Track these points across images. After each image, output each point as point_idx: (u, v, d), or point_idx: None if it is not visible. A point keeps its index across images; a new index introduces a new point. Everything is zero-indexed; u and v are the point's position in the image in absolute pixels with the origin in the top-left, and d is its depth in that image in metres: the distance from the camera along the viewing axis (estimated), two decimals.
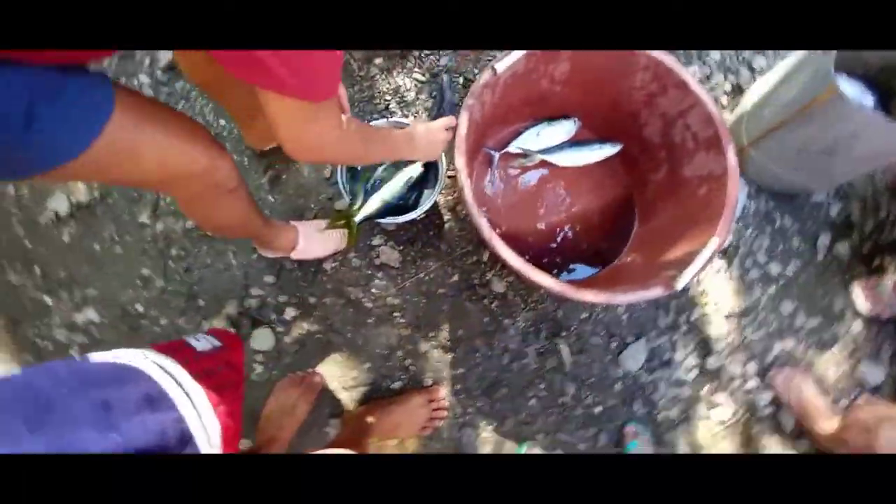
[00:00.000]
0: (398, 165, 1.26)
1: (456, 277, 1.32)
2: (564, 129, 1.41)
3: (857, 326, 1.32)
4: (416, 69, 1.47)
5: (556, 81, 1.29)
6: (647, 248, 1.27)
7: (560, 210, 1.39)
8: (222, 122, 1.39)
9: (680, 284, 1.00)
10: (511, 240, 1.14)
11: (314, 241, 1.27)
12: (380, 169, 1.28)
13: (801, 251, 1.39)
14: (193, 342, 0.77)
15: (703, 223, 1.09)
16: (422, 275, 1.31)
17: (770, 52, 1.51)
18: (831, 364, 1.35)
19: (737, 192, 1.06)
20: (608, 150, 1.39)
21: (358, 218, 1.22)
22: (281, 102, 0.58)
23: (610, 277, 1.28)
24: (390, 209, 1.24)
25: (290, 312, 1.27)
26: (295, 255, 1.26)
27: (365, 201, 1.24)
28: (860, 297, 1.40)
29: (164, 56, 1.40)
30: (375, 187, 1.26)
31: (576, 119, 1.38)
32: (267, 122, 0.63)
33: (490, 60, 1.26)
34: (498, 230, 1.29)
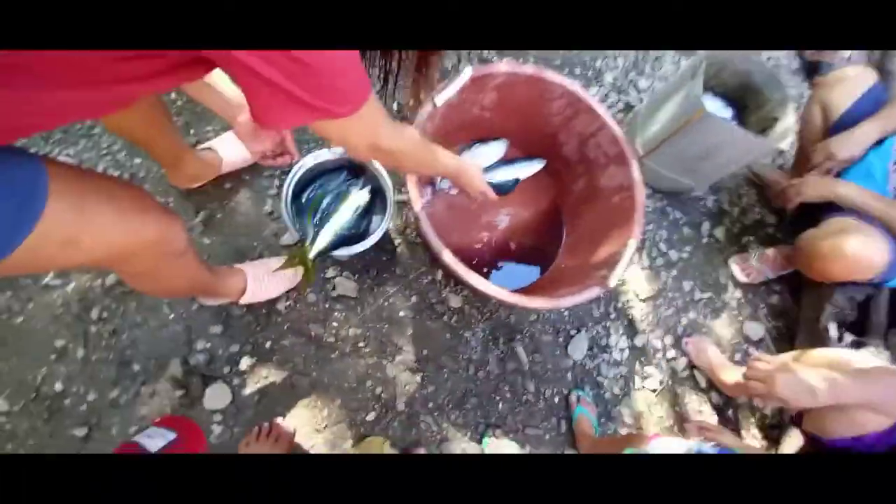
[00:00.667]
0: (342, 196, 1.10)
1: (414, 299, 1.09)
2: (496, 149, 1.33)
3: (737, 294, 1.47)
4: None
5: (486, 108, 1.24)
6: (579, 251, 1.27)
7: (499, 222, 1.33)
8: (137, 160, 1.01)
9: (612, 282, 1.00)
10: (458, 254, 1.04)
11: (264, 282, 1.05)
12: (325, 201, 1.09)
13: (690, 237, 1.51)
14: (145, 441, 0.64)
15: (620, 226, 1.11)
16: (381, 301, 1.05)
17: (650, 73, 1.59)
18: (724, 327, 1.42)
19: (643, 199, 1.10)
20: (535, 166, 1.33)
21: (312, 254, 1.02)
22: (329, 125, 0.44)
23: (552, 280, 1.26)
24: (342, 240, 1.06)
25: (245, 362, 0.99)
26: (244, 300, 1.05)
27: (316, 236, 1.04)
28: (736, 269, 1.48)
29: None
30: (324, 220, 1.07)
31: (506, 140, 1.33)
32: (194, 164, 0.64)
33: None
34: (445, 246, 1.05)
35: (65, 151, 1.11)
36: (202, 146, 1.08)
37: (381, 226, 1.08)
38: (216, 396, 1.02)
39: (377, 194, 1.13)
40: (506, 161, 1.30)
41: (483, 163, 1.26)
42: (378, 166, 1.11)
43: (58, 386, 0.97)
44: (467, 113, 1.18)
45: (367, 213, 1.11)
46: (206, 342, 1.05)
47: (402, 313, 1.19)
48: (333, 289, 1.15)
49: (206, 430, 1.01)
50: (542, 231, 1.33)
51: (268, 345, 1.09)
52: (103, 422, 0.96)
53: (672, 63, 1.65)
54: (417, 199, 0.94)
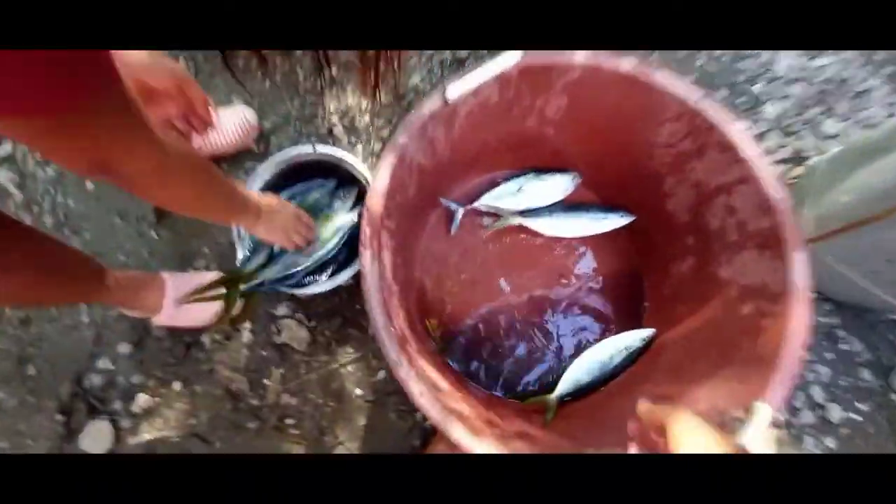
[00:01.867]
0: (323, 214, 0.75)
1: (382, 375, 0.70)
2: (557, 186, 0.84)
3: None
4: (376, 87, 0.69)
5: (548, 121, 0.73)
6: (655, 374, 0.70)
7: (536, 293, 0.81)
8: None
9: None
10: (466, 324, 0.71)
11: (186, 306, 0.73)
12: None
13: (870, 389, 0.83)
14: None
15: (742, 363, 0.55)
16: (334, 366, 0.64)
17: (844, 113, 0.75)
18: None
19: (806, 329, 0.51)
20: (614, 222, 0.82)
21: (246, 286, 0.69)
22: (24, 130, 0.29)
23: (593, 402, 0.72)
24: (307, 273, 0.72)
25: (141, 400, 0.75)
26: (157, 322, 0.75)
27: (265, 261, 0.70)
28: None
29: None
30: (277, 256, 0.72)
31: (575, 174, 0.84)
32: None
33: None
34: (447, 308, 0.78)
35: None
36: None
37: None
38: (96, 437, 0.74)
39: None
40: (570, 206, 0.83)
41: (532, 202, 0.81)
42: (363, 169, 0.75)
43: None
44: (516, 123, 0.70)
45: (349, 242, 0.75)
46: (109, 362, 0.76)
47: (357, 392, 0.77)
48: (279, 332, 0.77)
49: None
50: (604, 321, 0.80)
51: (176, 386, 0.75)
52: None
53: (884, 103, 0.92)
54: (371, 271, 0.52)
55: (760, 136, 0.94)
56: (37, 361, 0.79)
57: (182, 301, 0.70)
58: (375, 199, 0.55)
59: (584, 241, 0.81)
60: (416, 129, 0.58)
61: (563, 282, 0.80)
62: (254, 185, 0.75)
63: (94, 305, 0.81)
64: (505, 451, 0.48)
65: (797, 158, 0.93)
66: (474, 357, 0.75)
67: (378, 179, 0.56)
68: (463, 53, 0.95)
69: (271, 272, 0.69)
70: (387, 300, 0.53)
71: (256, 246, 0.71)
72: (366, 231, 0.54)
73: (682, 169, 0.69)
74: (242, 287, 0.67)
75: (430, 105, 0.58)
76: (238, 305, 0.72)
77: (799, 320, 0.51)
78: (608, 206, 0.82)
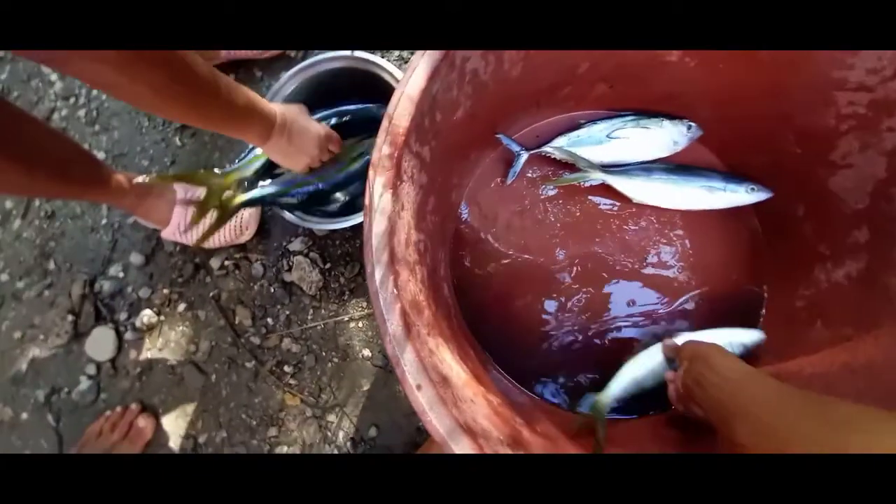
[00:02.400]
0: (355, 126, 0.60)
1: None
2: (663, 137, 0.60)
3: None
4: None
5: (680, 61, 0.35)
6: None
7: (605, 278, 0.59)
8: None
9: None
10: (509, 301, 0.52)
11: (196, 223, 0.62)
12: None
13: None
14: None
15: None
16: (344, 318, 0.71)
17: None
18: None
19: None
20: (738, 196, 0.58)
21: (247, 196, 0.57)
22: None
23: (656, 433, 0.52)
24: (315, 197, 0.58)
25: (146, 316, 0.75)
26: (164, 235, 0.68)
27: (262, 170, 0.57)
28: None
29: None
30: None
31: (692, 125, 0.60)
32: None
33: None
34: (487, 277, 0.59)
35: None
36: None
37: None
38: (100, 344, 0.69)
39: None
40: (676, 168, 0.61)
41: (625, 154, 0.61)
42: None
43: None
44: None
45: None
46: (121, 269, 0.70)
47: (365, 352, 0.64)
48: (289, 269, 0.65)
49: (73, 379, 0.68)
50: (691, 320, 0.59)
51: (180, 307, 0.68)
52: (3, 310, 0.72)
53: None
54: (381, 231, 0.38)
55: None
56: (57, 257, 0.75)
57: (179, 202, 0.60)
58: (404, 105, 0.37)
59: (688, 217, 0.58)
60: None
61: (647, 269, 0.58)
62: (280, 96, 0.60)
63: (114, 210, 0.74)
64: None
65: None
66: (514, 346, 0.57)
67: (411, 79, 0.37)
68: None
69: (269, 187, 0.55)
70: (395, 250, 0.36)
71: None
72: (382, 149, 0.36)
73: (875, 126, 0.43)
74: (239, 200, 0.54)
75: None
76: (241, 221, 0.66)
77: None
78: (732, 174, 0.57)
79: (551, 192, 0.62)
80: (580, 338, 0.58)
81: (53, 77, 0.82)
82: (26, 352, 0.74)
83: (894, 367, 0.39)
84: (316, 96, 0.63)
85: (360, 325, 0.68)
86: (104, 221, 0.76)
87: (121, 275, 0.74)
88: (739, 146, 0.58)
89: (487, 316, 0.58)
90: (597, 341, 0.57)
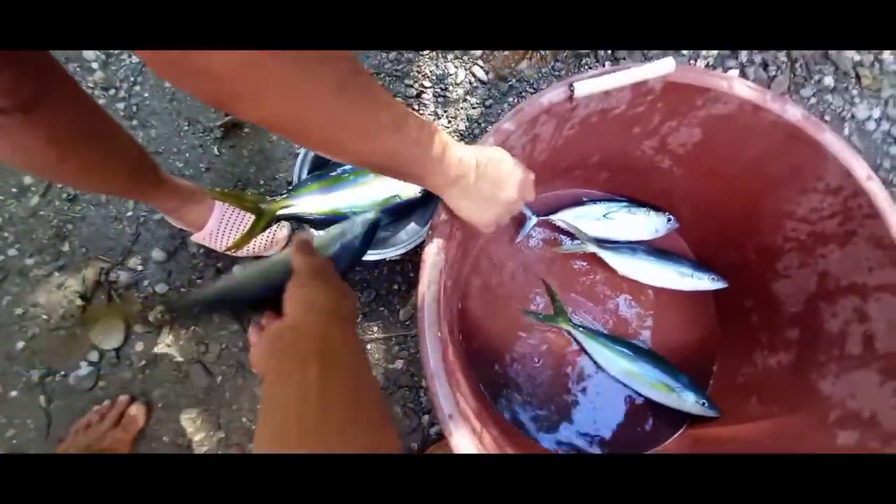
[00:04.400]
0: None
1: (399, 364, 0.76)
2: (648, 224, 0.72)
3: None
4: (479, 61, 0.58)
5: (668, 151, 0.62)
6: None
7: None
8: None
9: None
10: (504, 347, 0.59)
11: (230, 229, 0.69)
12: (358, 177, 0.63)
13: None
14: None
15: None
16: None
17: None
18: None
19: None
20: (702, 283, 0.70)
21: (284, 210, 0.60)
22: None
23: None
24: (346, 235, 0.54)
25: (158, 312, 0.76)
26: (196, 238, 0.70)
27: (302, 192, 0.60)
28: None
29: None
30: (335, 185, 0.62)
31: (672, 218, 0.73)
32: None
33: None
34: (489, 321, 0.68)
35: None
36: None
37: (414, 239, 0.64)
38: (107, 332, 0.70)
39: (433, 197, 0.63)
40: (656, 251, 0.72)
41: (615, 233, 0.72)
42: None
43: None
44: (631, 144, 0.59)
45: (406, 212, 0.65)
46: (140, 263, 0.72)
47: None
48: None
49: (72, 364, 0.68)
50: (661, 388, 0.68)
51: (196, 309, 0.69)
52: (5, 284, 0.71)
53: None
54: (438, 255, 0.45)
55: None
56: (72, 240, 0.76)
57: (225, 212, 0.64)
58: None
59: (660, 293, 0.69)
60: (527, 120, 0.48)
61: (616, 328, 0.68)
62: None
63: (140, 205, 0.76)
64: None
65: None
66: (505, 383, 0.65)
67: None
68: (583, 49, 0.82)
69: (302, 206, 0.61)
70: (438, 301, 0.44)
71: (311, 178, 0.63)
72: (441, 215, 0.44)
73: (811, 251, 0.55)
74: (280, 211, 0.60)
75: (552, 96, 0.47)
76: (273, 235, 0.69)
77: None
78: (700, 265, 0.69)
79: (551, 254, 0.72)
80: (549, 377, 0.67)
81: (95, 65, 0.84)
82: (25, 330, 0.74)
83: (811, 445, 0.50)
84: None
85: (369, 347, 0.74)
86: (129, 213, 0.78)
87: (139, 267, 0.76)
88: (707, 243, 0.71)
89: (486, 353, 0.67)
90: (561, 381, 0.67)
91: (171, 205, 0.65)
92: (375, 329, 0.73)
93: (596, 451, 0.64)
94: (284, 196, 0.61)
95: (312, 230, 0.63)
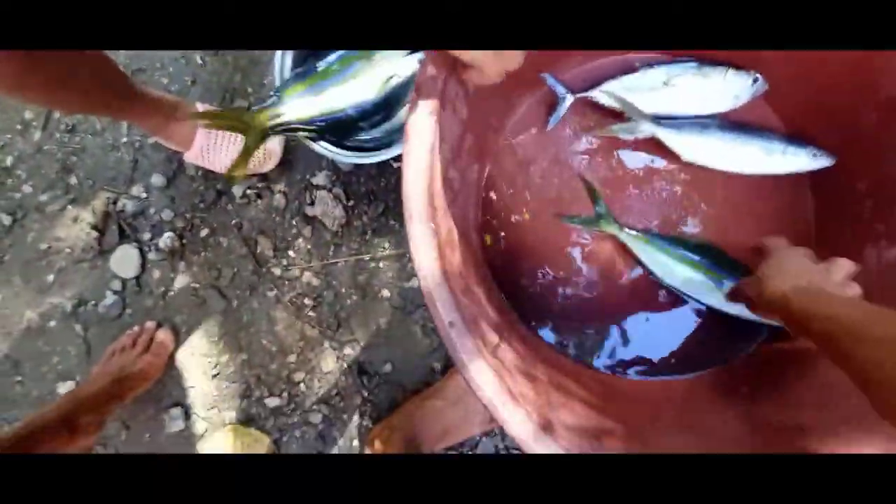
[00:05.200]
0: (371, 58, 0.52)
1: (415, 282, 0.67)
2: (725, 89, 0.53)
3: None
4: None
5: None
6: (798, 394, 0.46)
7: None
8: None
9: None
10: (537, 258, 0.49)
11: (221, 146, 0.62)
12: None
13: None
14: None
15: None
16: (366, 257, 0.48)
17: None
18: None
19: None
20: (799, 161, 0.52)
21: (272, 122, 0.52)
22: None
23: (692, 402, 0.51)
24: (342, 125, 0.53)
25: (167, 239, 0.73)
26: (188, 158, 0.64)
27: (290, 92, 0.52)
28: None
29: None
30: (327, 76, 0.53)
31: (757, 77, 0.53)
32: None
33: None
34: (516, 228, 0.55)
35: None
36: None
37: None
38: (125, 261, 0.68)
39: None
40: (733, 125, 0.54)
41: (679, 106, 0.55)
42: None
43: (8, 160, 0.73)
44: None
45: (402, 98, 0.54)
46: (143, 189, 0.68)
47: (385, 293, 0.63)
48: (311, 203, 0.62)
49: (98, 293, 0.68)
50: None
51: (203, 233, 0.67)
52: (26, 221, 0.73)
53: None
54: (433, 194, 0.35)
55: None
56: (78, 172, 0.73)
57: (203, 125, 0.56)
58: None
59: (737, 182, 0.52)
60: None
61: (687, 232, 0.53)
62: None
63: (134, 129, 0.70)
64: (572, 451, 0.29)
65: None
66: (535, 294, 0.54)
67: None
68: None
69: (298, 109, 0.51)
70: (433, 184, 0.32)
71: (295, 76, 0.52)
72: (428, 69, 0.31)
73: None
74: (270, 123, 0.50)
75: None
76: (265, 150, 0.57)
77: None
78: (794, 137, 0.50)
79: (594, 143, 0.56)
80: (596, 290, 0.55)
81: None
82: (52, 263, 0.74)
83: None
84: None
85: (381, 265, 0.66)
86: (125, 140, 0.73)
87: (143, 195, 0.71)
88: (809, 112, 0.52)
89: (512, 264, 0.56)
90: (612, 294, 0.54)
91: (154, 121, 0.59)
92: (387, 245, 0.64)
93: (653, 375, 0.53)
94: (270, 105, 0.50)
95: (311, 143, 0.53)
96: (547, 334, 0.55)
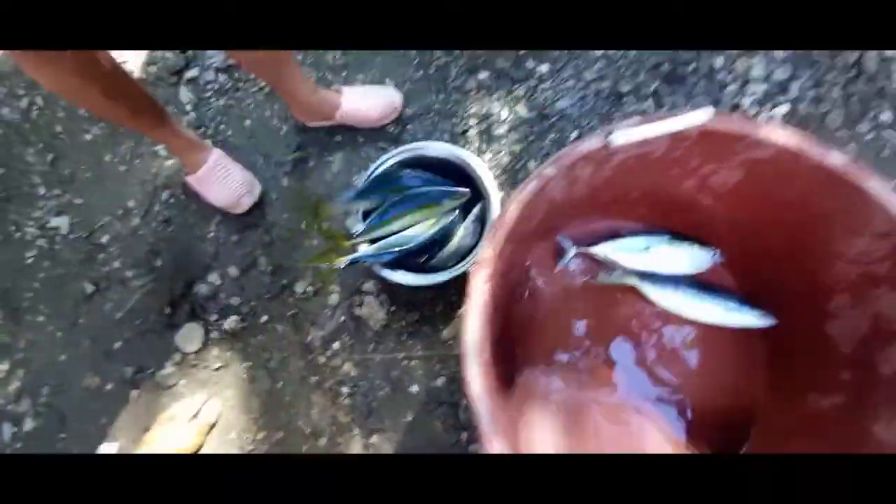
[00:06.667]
0: (422, 204, 0.73)
1: (440, 382, 0.73)
2: (691, 258, 0.72)
3: None
4: (524, 99, 0.66)
5: (709, 190, 0.63)
6: None
7: (620, 368, 0.70)
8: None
9: None
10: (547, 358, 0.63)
11: (213, 181, 0.84)
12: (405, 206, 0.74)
13: None
14: None
15: None
16: (400, 356, 0.61)
17: None
18: None
19: None
20: (748, 319, 0.69)
21: (357, 254, 0.71)
22: None
23: None
24: (399, 252, 0.71)
25: (231, 321, 0.87)
26: (188, 179, 0.86)
27: (372, 230, 0.72)
28: None
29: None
30: (390, 219, 0.73)
31: (716, 252, 0.72)
32: (309, 97, 0.75)
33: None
34: (523, 345, 0.71)
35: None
36: (335, 87, 0.87)
37: (464, 263, 0.71)
38: (189, 337, 0.81)
39: (480, 221, 0.74)
40: (699, 285, 0.71)
41: (657, 266, 0.72)
42: (487, 178, 0.73)
43: (104, 238, 0.89)
44: (670, 183, 0.62)
45: (443, 241, 0.73)
46: (219, 277, 0.84)
47: (414, 388, 0.75)
48: (359, 305, 0.78)
49: (159, 363, 0.80)
50: (705, 430, 0.69)
51: (263, 319, 0.81)
52: (108, 292, 0.87)
53: None
54: (484, 302, 0.49)
55: None
56: (164, 256, 0.89)
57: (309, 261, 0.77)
58: (505, 224, 0.51)
59: (702, 329, 0.69)
60: (566, 166, 0.53)
61: (657, 369, 0.69)
62: (374, 171, 0.76)
63: (222, 224, 0.87)
64: None
65: None
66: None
67: (513, 206, 0.51)
68: (625, 87, 0.86)
69: (371, 248, 0.69)
70: (482, 326, 0.49)
71: (371, 222, 0.71)
72: (487, 250, 0.50)
73: (863, 293, 0.55)
74: (345, 256, 0.68)
75: (589, 145, 0.52)
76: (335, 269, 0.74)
77: None
78: (746, 300, 0.69)
79: (589, 285, 0.75)
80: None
81: (189, 107, 0.99)
82: (122, 332, 0.86)
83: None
84: (405, 165, 0.78)
85: (412, 364, 0.80)
86: (211, 234, 0.90)
87: (217, 282, 0.87)
88: (756, 279, 0.71)
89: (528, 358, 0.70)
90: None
91: (176, 144, 0.80)
92: (419, 347, 0.79)
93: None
94: (359, 238, 0.69)
95: (377, 269, 0.72)
96: None
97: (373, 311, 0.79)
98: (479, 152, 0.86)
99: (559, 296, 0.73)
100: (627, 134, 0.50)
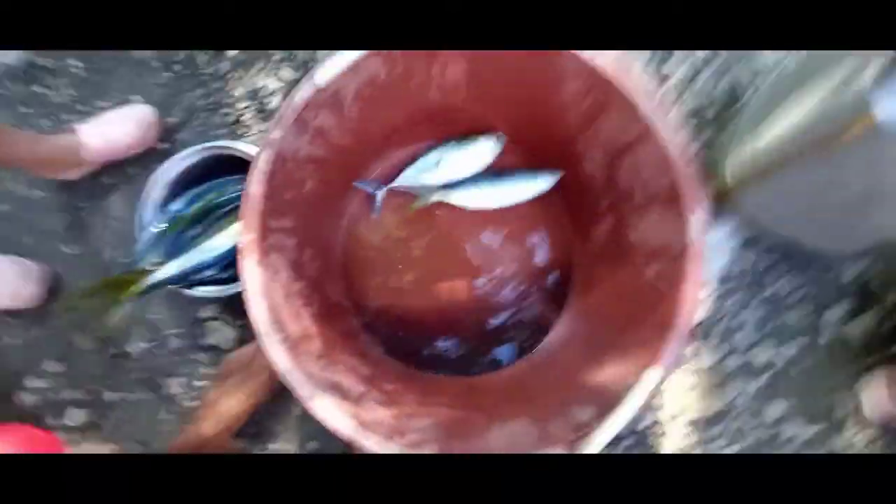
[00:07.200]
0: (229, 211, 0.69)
1: None
2: (481, 152, 0.77)
3: (861, 438, 0.78)
4: (284, 63, 0.62)
5: (452, 88, 0.66)
6: (574, 345, 0.70)
7: (469, 267, 0.77)
8: None
9: (585, 448, 0.47)
10: (391, 314, 0.69)
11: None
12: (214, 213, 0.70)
13: (798, 328, 0.82)
14: None
15: (646, 326, 0.53)
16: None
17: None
18: None
19: (698, 292, 0.49)
20: (539, 184, 0.76)
21: (150, 280, 0.63)
22: None
23: (525, 373, 0.72)
24: (208, 268, 0.67)
25: (76, 416, 0.78)
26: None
27: (165, 258, 0.65)
28: (872, 398, 0.77)
29: None
30: (198, 238, 0.68)
31: (499, 135, 0.77)
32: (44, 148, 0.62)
33: None
34: (374, 293, 0.76)
35: None
36: (67, 126, 0.75)
37: None
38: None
39: None
40: (493, 173, 0.77)
41: (455, 173, 0.76)
42: None
43: None
44: (419, 97, 0.65)
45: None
46: (39, 380, 0.76)
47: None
48: (204, 335, 0.74)
49: None
50: (538, 289, 0.78)
51: (108, 397, 0.73)
52: None
53: None
54: (259, 286, 0.49)
55: (694, 77, 0.87)
56: None
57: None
58: (252, 205, 0.50)
59: (513, 212, 0.76)
60: (292, 122, 0.52)
61: (489, 265, 0.76)
62: (156, 189, 0.70)
63: (17, 327, 0.76)
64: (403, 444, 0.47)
65: (730, 97, 0.88)
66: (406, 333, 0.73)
67: (253, 183, 0.50)
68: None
69: (169, 268, 0.65)
70: (276, 304, 0.50)
71: (156, 239, 0.66)
72: (244, 237, 0.50)
73: (589, 127, 0.64)
74: (144, 283, 0.63)
75: (302, 94, 0.52)
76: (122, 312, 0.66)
77: (693, 282, 0.49)
78: (534, 168, 0.76)
79: (407, 217, 0.78)
80: (445, 312, 0.75)
81: None
82: None
83: (633, 288, 0.60)
84: (194, 175, 0.73)
85: None
86: (19, 342, 0.78)
87: (42, 385, 0.77)
88: (534, 149, 0.77)
89: (384, 317, 0.74)
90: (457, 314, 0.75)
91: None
92: None
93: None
94: (139, 269, 0.63)
95: (186, 291, 0.67)
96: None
97: (221, 333, 0.76)
98: (260, 133, 0.82)
99: (389, 237, 0.76)
100: (328, 68, 0.51)
